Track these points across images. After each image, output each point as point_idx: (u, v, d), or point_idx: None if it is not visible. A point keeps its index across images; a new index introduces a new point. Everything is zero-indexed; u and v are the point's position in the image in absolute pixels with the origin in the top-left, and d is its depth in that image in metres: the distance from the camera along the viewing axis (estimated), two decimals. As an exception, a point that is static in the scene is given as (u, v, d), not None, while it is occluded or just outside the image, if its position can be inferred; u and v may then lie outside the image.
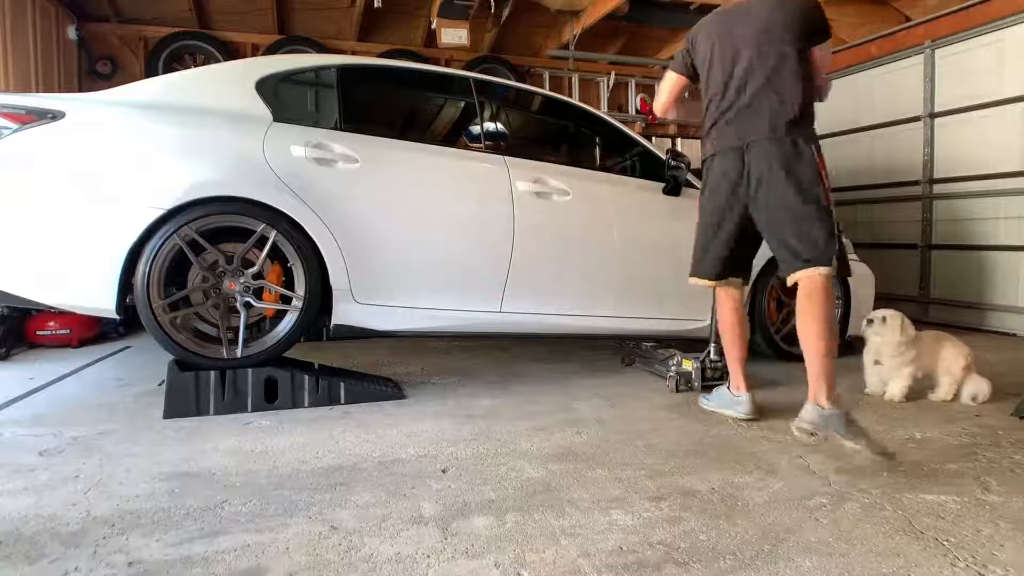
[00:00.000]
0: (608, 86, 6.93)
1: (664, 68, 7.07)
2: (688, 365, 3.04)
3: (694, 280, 2.64)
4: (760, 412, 2.55)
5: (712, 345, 3.06)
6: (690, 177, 3.44)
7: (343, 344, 4.19)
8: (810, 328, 2.21)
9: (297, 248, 2.66)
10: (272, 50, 5.89)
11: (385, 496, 1.79)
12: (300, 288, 2.68)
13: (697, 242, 2.63)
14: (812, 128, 2.33)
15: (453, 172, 3.02)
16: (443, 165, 3.00)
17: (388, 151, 2.90)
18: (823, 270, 2.21)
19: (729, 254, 2.52)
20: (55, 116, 2.48)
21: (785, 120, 2.28)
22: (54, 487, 1.84)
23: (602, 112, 4.27)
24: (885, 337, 2.86)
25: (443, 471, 1.99)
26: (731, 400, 2.60)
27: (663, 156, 3.42)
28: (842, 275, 2.27)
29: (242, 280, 2.65)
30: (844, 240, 2.44)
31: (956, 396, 2.85)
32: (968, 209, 5.12)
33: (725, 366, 3.02)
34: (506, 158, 3.09)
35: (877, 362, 2.91)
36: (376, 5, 5.39)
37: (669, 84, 2.71)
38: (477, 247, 2.98)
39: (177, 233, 2.51)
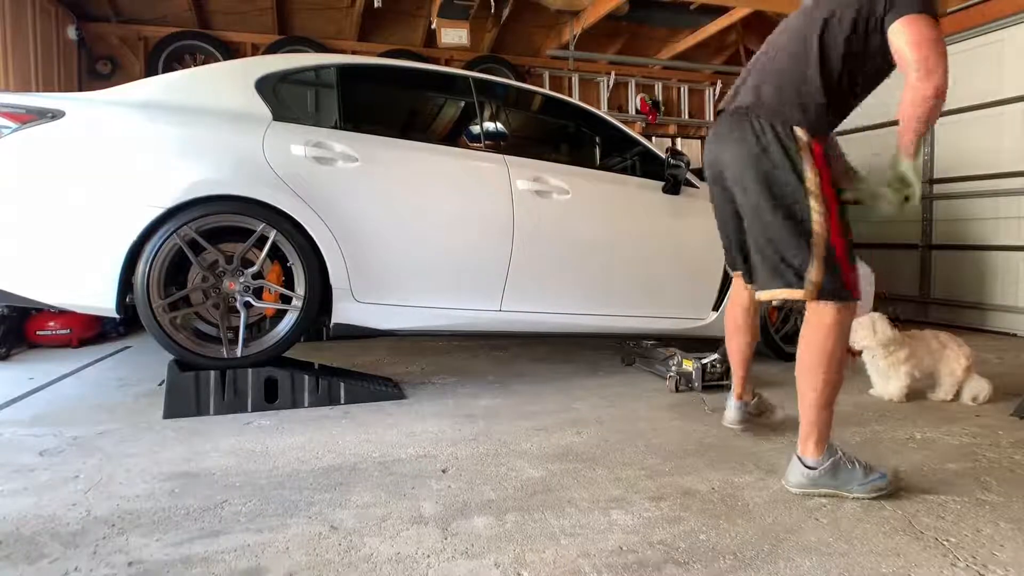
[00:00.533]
0: (608, 86, 6.92)
1: (664, 68, 7.11)
2: (689, 365, 3.04)
3: (730, 270, 2.33)
4: (743, 424, 2.35)
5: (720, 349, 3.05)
6: (689, 176, 3.44)
7: (343, 344, 4.19)
8: (799, 364, 1.82)
9: (297, 247, 2.66)
10: (272, 50, 5.88)
11: (385, 496, 1.79)
12: (300, 287, 2.68)
13: None
14: (808, 113, 1.78)
15: (453, 171, 3.01)
16: (443, 164, 3.00)
17: (388, 150, 2.90)
18: (790, 294, 1.77)
19: (730, 247, 2.19)
20: (55, 115, 2.48)
21: (769, 93, 1.80)
22: (54, 487, 1.84)
23: (602, 111, 4.27)
24: (865, 343, 2.88)
25: (443, 471, 1.99)
26: (726, 404, 2.44)
27: (663, 155, 3.42)
28: (833, 299, 1.75)
29: (242, 280, 2.66)
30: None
31: (956, 396, 2.85)
32: (968, 209, 5.12)
33: (726, 367, 3.03)
34: (506, 157, 3.09)
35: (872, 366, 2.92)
36: (376, 5, 5.38)
37: None
38: (477, 246, 2.98)
39: (177, 233, 2.51)
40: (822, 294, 1.74)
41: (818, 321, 1.77)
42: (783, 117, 1.78)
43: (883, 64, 1.84)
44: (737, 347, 2.35)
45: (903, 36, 1.70)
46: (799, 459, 1.83)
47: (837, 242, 1.75)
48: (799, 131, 1.77)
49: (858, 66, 1.83)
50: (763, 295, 1.86)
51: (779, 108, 1.79)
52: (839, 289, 1.75)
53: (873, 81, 1.89)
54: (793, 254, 1.75)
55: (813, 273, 1.73)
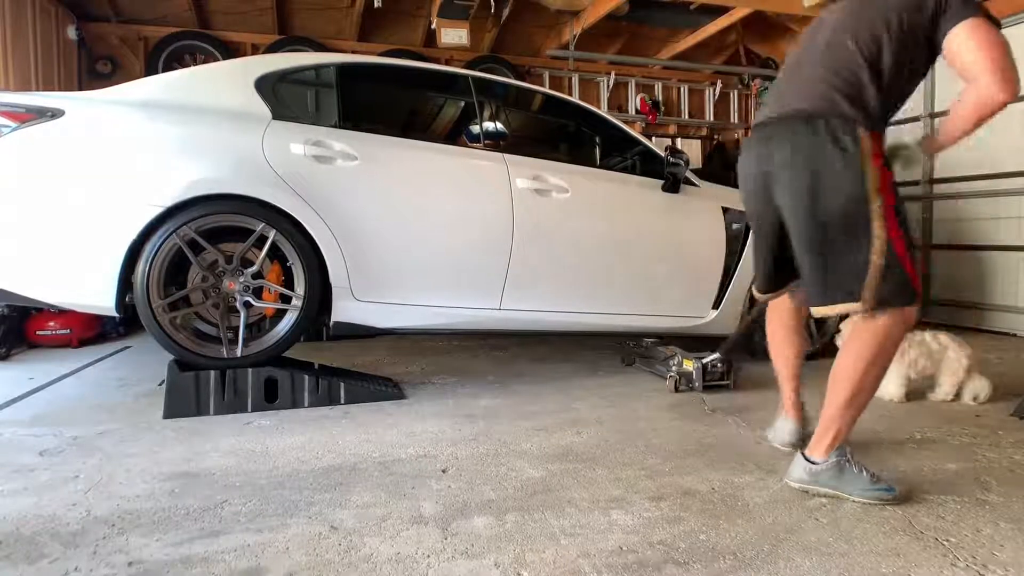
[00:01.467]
0: (608, 86, 6.92)
1: (664, 68, 7.11)
2: (689, 365, 3.03)
3: (756, 295, 2.19)
4: (795, 446, 2.05)
5: (720, 352, 3.03)
6: (689, 174, 3.45)
7: (343, 344, 4.19)
8: (836, 363, 1.78)
9: (296, 247, 2.66)
10: (272, 50, 5.88)
11: (385, 496, 1.79)
12: (300, 287, 2.68)
13: (752, 244, 2.15)
14: (866, 110, 1.71)
15: (452, 169, 3.02)
16: (442, 162, 3.00)
17: (387, 149, 2.90)
18: (848, 307, 1.71)
19: (774, 263, 2.00)
20: (54, 114, 2.48)
21: (832, 93, 1.72)
22: (54, 487, 1.84)
23: (602, 111, 4.27)
24: None
25: (443, 471, 1.99)
26: (777, 421, 2.19)
27: (663, 154, 3.42)
28: (896, 306, 1.69)
29: (242, 279, 2.65)
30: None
31: (957, 396, 2.85)
32: (968, 209, 5.12)
33: (726, 367, 3.02)
34: (505, 155, 3.09)
35: None
36: (376, 5, 5.38)
37: None
38: (476, 244, 2.98)
39: (176, 232, 2.51)
40: (881, 303, 1.67)
41: (867, 327, 1.72)
42: (840, 115, 1.70)
43: (922, 69, 1.80)
44: (784, 362, 2.16)
45: (970, 41, 1.63)
46: (804, 456, 1.81)
47: (898, 244, 1.68)
48: (860, 129, 1.69)
49: (903, 67, 1.76)
50: (820, 311, 1.77)
51: (835, 108, 1.71)
52: (900, 292, 1.68)
53: (912, 84, 1.83)
54: (851, 264, 1.68)
55: (872, 282, 1.66)
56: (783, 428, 2.14)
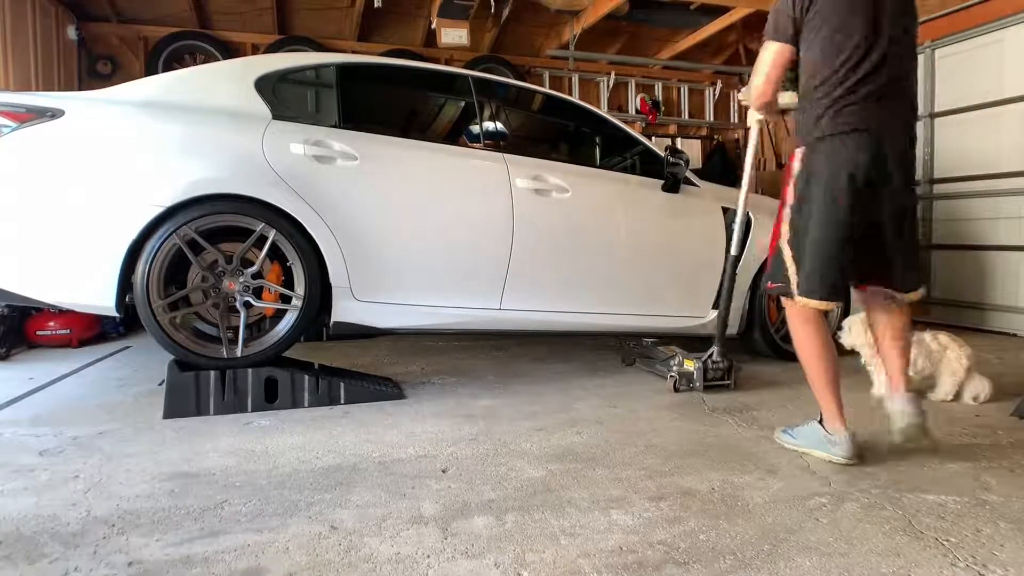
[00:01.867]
0: (608, 86, 6.92)
1: (664, 68, 7.11)
2: (690, 365, 3.03)
3: (807, 301, 2.01)
4: (861, 457, 2.04)
5: (715, 347, 3.03)
6: (689, 174, 3.45)
7: (343, 344, 4.19)
8: (900, 334, 2.13)
9: (296, 247, 2.66)
10: (272, 50, 5.88)
11: (385, 496, 1.79)
12: (299, 287, 2.68)
13: (815, 249, 1.99)
14: None
15: (452, 169, 3.02)
16: (442, 162, 3.01)
17: (387, 148, 2.90)
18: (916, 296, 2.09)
19: (848, 266, 2.04)
20: (54, 114, 2.48)
21: (913, 111, 2.09)
22: (54, 487, 1.84)
23: (602, 111, 4.27)
24: (856, 341, 2.88)
25: (443, 471, 1.99)
26: (823, 439, 2.07)
27: (663, 154, 3.42)
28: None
29: (241, 279, 2.65)
30: None
31: (957, 396, 2.85)
32: (968, 209, 5.11)
33: (727, 367, 3.02)
34: (505, 155, 3.09)
35: (868, 364, 2.93)
36: (376, 5, 5.38)
37: (771, 58, 2.06)
38: (476, 244, 2.98)
39: (176, 232, 2.50)
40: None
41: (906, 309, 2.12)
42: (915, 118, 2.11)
43: None
44: (826, 370, 2.09)
45: None
46: (903, 392, 2.04)
47: None
48: None
49: None
50: (917, 295, 2.10)
51: (915, 112, 2.11)
52: None
53: None
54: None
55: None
56: (844, 441, 2.03)
